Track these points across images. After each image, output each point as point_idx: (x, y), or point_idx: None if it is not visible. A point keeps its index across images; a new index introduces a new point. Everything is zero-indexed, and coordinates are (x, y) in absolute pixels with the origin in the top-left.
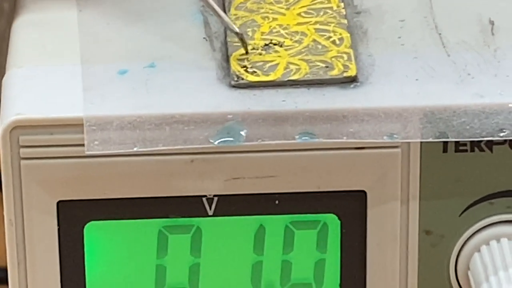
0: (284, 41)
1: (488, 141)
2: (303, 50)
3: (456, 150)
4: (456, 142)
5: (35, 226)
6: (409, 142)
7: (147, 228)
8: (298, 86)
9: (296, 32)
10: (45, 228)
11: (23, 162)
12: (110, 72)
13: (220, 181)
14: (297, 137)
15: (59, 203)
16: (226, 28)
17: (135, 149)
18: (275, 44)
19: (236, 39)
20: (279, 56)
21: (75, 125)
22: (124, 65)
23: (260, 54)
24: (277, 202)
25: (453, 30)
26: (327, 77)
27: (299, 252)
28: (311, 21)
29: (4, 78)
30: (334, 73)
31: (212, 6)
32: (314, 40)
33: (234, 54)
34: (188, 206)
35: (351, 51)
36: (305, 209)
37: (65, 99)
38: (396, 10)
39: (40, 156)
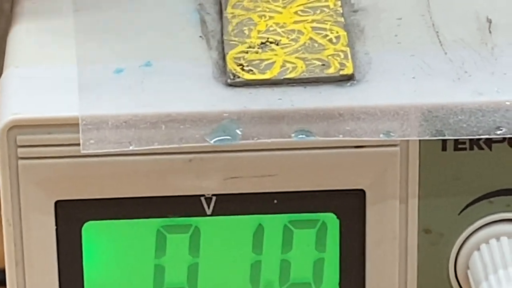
0: (280, 40)
1: (487, 139)
2: (299, 48)
3: (455, 149)
4: (455, 140)
5: (33, 226)
6: (408, 141)
7: (145, 227)
8: (295, 84)
9: (293, 31)
10: (43, 228)
11: (20, 162)
12: (106, 71)
13: (219, 181)
14: (293, 135)
15: (57, 203)
16: None
17: (130, 148)
18: (271, 43)
19: (233, 37)
20: (276, 55)
21: (72, 124)
22: (120, 64)
23: (257, 52)
24: (275, 201)
25: (450, 28)
26: (324, 75)
27: (298, 251)
28: (308, 20)
29: (1, 77)
30: (331, 71)
31: None
32: (310, 39)
33: (230, 52)
34: (186, 205)
35: (347, 49)
36: (303, 208)
37: (62, 98)
38: (393, 8)
39: (38, 156)
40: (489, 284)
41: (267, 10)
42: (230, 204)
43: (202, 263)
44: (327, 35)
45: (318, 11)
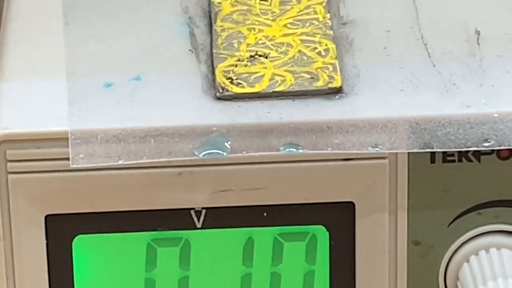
0: (269, 53)
1: (475, 151)
2: (288, 61)
3: (444, 161)
4: (444, 152)
5: (24, 240)
6: (396, 153)
7: (136, 241)
8: (283, 97)
9: (282, 43)
10: (33, 242)
11: (10, 176)
12: (96, 85)
13: (208, 194)
14: (281, 148)
15: (47, 217)
16: None
17: (119, 162)
18: (260, 56)
19: (222, 51)
20: (265, 68)
21: (61, 138)
22: (110, 78)
23: (246, 65)
24: (265, 214)
25: (439, 40)
26: (312, 88)
27: (288, 264)
28: (297, 32)
29: None
30: (319, 84)
31: None
32: (299, 51)
33: (219, 65)
34: (177, 219)
35: (336, 62)
36: (293, 221)
37: (52, 112)
38: (382, 21)
39: (27, 170)
40: None
41: (257, 23)
42: (220, 217)
43: (192, 276)
44: (316, 48)
45: (308, 24)
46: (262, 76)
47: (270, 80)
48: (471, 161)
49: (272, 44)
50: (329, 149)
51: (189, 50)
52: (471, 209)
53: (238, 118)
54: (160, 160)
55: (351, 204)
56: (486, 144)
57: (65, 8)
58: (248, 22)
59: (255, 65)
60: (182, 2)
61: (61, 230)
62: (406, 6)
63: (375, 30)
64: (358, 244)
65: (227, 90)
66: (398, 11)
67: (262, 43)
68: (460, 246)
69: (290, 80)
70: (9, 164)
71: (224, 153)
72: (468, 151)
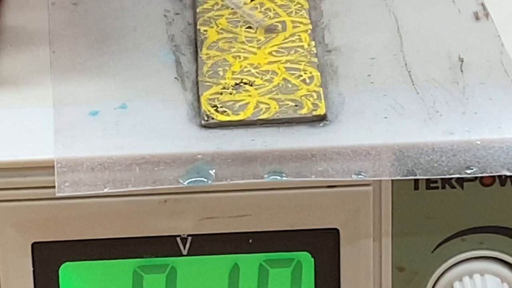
0: (254, 80)
1: (458, 178)
2: (273, 89)
3: (427, 187)
4: (427, 179)
5: (10, 268)
6: (380, 180)
7: (122, 268)
8: (268, 125)
9: (267, 71)
10: (20, 270)
11: None
12: (82, 113)
13: (194, 221)
14: (266, 176)
15: (33, 245)
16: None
17: (105, 190)
18: (245, 83)
19: (208, 78)
20: (250, 95)
21: (47, 167)
22: (96, 106)
23: (231, 93)
24: (250, 240)
25: (423, 68)
26: (297, 116)
27: None
28: (282, 60)
29: None
30: (304, 112)
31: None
32: (284, 79)
33: (205, 93)
34: (162, 246)
35: (320, 89)
36: (278, 248)
37: (38, 140)
38: (366, 48)
39: (13, 199)
40: None
41: (242, 51)
42: (206, 244)
43: None
44: (300, 76)
45: (293, 52)
46: (247, 104)
47: (255, 108)
48: (454, 187)
49: (257, 72)
50: (313, 176)
51: (175, 78)
52: (455, 235)
53: (223, 146)
54: (146, 188)
55: (336, 231)
56: (469, 171)
57: (52, 36)
58: (234, 50)
59: (240, 93)
60: (168, 30)
61: (47, 258)
62: (391, 34)
63: (360, 58)
64: (343, 270)
65: (212, 118)
66: (382, 38)
67: (247, 71)
68: (444, 272)
69: (275, 107)
70: None
71: (209, 181)
72: (451, 178)
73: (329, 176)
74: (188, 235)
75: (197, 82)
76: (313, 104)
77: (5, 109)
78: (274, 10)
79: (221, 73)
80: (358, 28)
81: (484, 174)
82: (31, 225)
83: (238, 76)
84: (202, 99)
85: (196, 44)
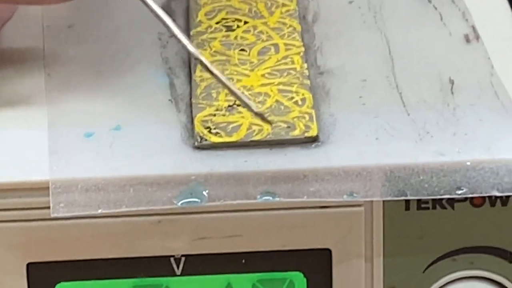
0: None
1: (449, 198)
2: (266, 110)
3: (418, 208)
4: (418, 200)
5: None
6: (371, 201)
7: None
8: (261, 146)
9: (260, 93)
10: None
11: None
12: (77, 135)
13: (187, 241)
14: (258, 197)
15: (28, 265)
16: (249, 109)
17: (99, 211)
18: (238, 105)
19: (201, 100)
20: (242, 117)
21: (42, 188)
22: (90, 127)
23: (224, 115)
24: (243, 260)
25: (414, 89)
26: (289, 137)
27: None
28: (274, 82)
29: None
30: (296, 133)
31: (233, 91)
32: (277, 101)
33: (198, 115)
34: (156, 266)
35: (312, 111)
36: (271, 267)
37: (33, 162)
38: (358, 70)
39: (9, 219)
40: None
41: (235, 73)
42: (199, 264)
43: None
44: (293, 97)
45: (285, 74)
46: (240, 125)
47: (248, 129)
48: (445, 208)
49: (250, 94)
50: (305, 197)
51: (169, 100)
52: (446, 255)
53: (216, 167)
54: (139, 209)
55: (328, 251)
56: (459, 192)
57: (47, 58)
58: (227, 72)
59: (233, 114)
60: (163, 52)
61: (42, 278)
62: (382, 56)
63: (352, 79)
64: None
65: (206, 140)
66: (374, 60)
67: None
68: None
69: (267, 129)
70: None
71: (202, 202)
72: (442, 199)
73: (321, 197)
74: (182, 255)
75: (190, 104)
76: (305, 125)
77: (0, 131)
78: (267, 33)
79: (214, 95)
80: (350, 51)
81: (474, 195)
82: (26, 246)
83: (231, 98)
84: (196, 121)
85: (189, 67)
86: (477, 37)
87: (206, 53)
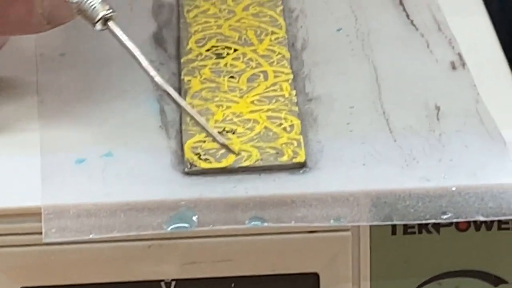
0: (236, 129)
1: (435, 223)
2: (255, 137)
3: (405, 232)
4: (404, 224)
5: None
6: (358, 226)
7: None
8: (249, 172)
9: (249, 120)
10: None
11: None
12: (68, 161)
13: (177, 266)
14: (247, 222)
15: None
16: (213, 140)
17: (91, 236)
18: (228, 132)
19: (191, 127)
20: (232, 143)
21: (34, 214)
22: (82, 154)
23: (213, 141)
24: (233, 285)
25: (400, 115)
26: (277, 163)
27: None
28: (263, 109)
29: None
30: (284, 159)
31: (199, 122)
32: (265, 127)
33: (188, 142)
34: None
35: (301, 137)
36: None
37: (25, 188)
38: (346, 97)
39: (1, 245)
40: None
41: (225, 100)
42: None
43: None
44: (281, 124)
45: (274, 100)
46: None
47: (237, 155)
48: (430, 232)
49: (239, 121)
50: (293, 222)
51: (160, 126)
52: (432, 279)
53: (206, 193)
54: (130, 234)
55: (316, 275)
56: (445, 217)
57: (39, 86)
58: (217, 99)
59: None
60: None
61: None
62: (369, 83)
63: (339, 106)
64: None
65: (195, 166)
66: (361, 87)
67: (229, 120)
68: None
69: (256, 155)
70: None
71: (192, 227)
72: (427, 223)
73: (309, 222)
74: (172, 280)
75: (181, 131)
76: (293, 151)
77: None
78: (256, 60)
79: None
80: (338, 78)
81: (459, 220)
82: (20, 270)
83: (221, 124)
84: (186, 147)
85: (180, 94)
86: (463, 64)
87: (196, 80)
